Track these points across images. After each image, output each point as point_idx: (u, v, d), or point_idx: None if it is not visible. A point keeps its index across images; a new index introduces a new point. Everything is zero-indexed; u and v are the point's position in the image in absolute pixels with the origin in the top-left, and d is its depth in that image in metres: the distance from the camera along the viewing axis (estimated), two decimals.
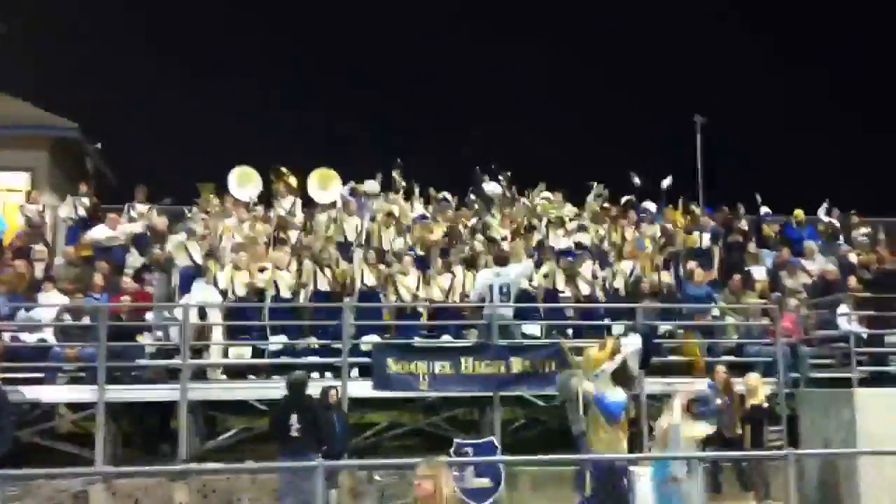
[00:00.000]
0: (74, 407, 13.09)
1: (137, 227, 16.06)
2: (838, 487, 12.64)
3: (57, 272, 14.87)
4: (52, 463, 12.33)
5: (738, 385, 12.97)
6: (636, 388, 9.08)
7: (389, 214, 16.97)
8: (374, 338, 13.73)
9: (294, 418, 10.94)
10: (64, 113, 19.67)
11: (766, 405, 12.60)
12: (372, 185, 18.05)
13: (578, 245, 16.35)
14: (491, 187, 18.52)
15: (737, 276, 15.79)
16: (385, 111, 35.24)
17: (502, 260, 14.43)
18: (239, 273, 13.92)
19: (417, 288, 14.32)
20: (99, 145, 20.20)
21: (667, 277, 15.90)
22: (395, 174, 18.27)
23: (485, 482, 12.81)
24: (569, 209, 18.23)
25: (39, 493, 10.83)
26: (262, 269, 14.07)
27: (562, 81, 37.28)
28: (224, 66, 36.47)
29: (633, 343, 8.89)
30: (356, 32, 39.30)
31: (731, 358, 14.52)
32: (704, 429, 10.61)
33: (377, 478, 12.61)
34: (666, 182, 19.30)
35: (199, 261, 14.26)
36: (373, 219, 16.94)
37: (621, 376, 8.74)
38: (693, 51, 36.86)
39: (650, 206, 19.34)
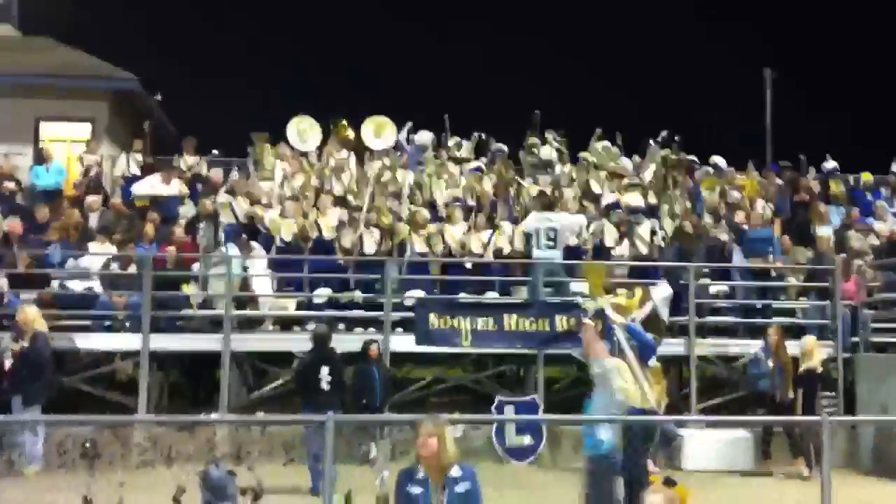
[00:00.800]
0: (121, 356, 13.21)
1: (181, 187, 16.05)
2: (894, 455, 12.18)
3: (109, 222, 15.00)
4: (97, 410, 12.62)
5: (794, 348, 12.56)
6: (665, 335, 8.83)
7: (441, 166, 16.76)
8: (419, 292, 13.59)
9: (324, 371, 10.86)
10: (125, 65, 19.84)
11: (820, 370, 12.14)
12: (424, 137, 17.78)
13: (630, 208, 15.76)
14: (546, 151, 18.06)
15: (786, 237, 15.18)
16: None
17: (548, 206, 14.17)
18: (285, 220, 13.89)
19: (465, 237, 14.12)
20: (159, 97, 20.31)
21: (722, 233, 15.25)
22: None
23: (526, 440, 12.69)
24: (626, 162, 17.62)
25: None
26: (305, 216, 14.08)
27: (624, 33, 36.33)
28: (284, 22, 36.43)
29: (662, 290, 8.68)
30: None
31: (786, 319, 14.00)
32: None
33: None
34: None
35: (243, 219, 14.22)
36: (425, 173, 16.71)
37: (654, 325, 8.54)
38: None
39: (720, 161, 18.55)
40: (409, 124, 17.96)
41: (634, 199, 16.07)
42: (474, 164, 16.97)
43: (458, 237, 14.13)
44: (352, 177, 16.52)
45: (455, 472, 5.73)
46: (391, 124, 17.66)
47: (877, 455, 12.46)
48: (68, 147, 19.70)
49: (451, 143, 18.01)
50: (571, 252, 14.31)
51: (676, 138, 17.50)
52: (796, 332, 13.63)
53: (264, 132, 17.58)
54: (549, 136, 18.10)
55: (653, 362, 9.35)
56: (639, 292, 8.78)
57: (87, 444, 10.13)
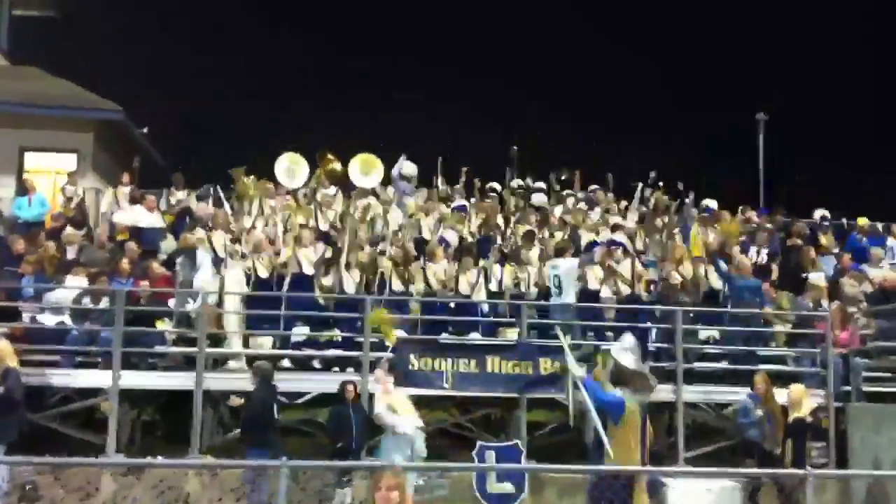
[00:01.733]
0: (91, 393, 12.81)
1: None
2: None
3: (87, 255, 14.70)
4: (67, 449, 12.18)
5: (783, 395, 12.22)
6: (650, 385, 8.33)
7: (428, 205, 16.53)
8: (399, 332, 13.23)
9: (276, 409, 10.54)
10: (113, 97, 19.66)
11: (809, 419, 11.77)
12: (410, 168, 17.55)
13: (612, 242, 15.51)
14: (537, 198, 17.88)
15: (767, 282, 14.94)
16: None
17: (559, 252, 14.02)
18: (260, 257, 13.60)
19: (447, 279, 13.80)
20: (146, 130, 20.13)
21: (712, 278, 14.93)
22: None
23: (507, 487, 12.27)
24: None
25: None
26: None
27: (612, 77, 36.33)
28: (273, 56, 36.43)
29: (622, 343, 8.28)
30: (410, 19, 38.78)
31: (776, 366, 13.66)
32: None
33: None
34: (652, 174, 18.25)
35: (221, 253, 13.91)
36: (411, 215, 16.46)
37: (621, 378, 8.11)
38: (756, 44, 35.52)
39: (712, 203, 18.34)
40: (403, 157, 17.79)
41: (616, 236, 15.81)
42: (459, 202, 16.72)
43: (440, 276, 13.80)
44: (336, 213, 16.27)
45: None
46: (379, 162, 17.46)
47: None
48: (53, 178, 19.53)
49: (440, 186, 17.85)
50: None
51: (660, 183, 17.37)
52: (787, 379, 13.33)
53: (241, 166, 17.37)
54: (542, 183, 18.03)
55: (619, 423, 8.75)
56: (601, 359, 8.40)
57: (28, 487, 9.69)
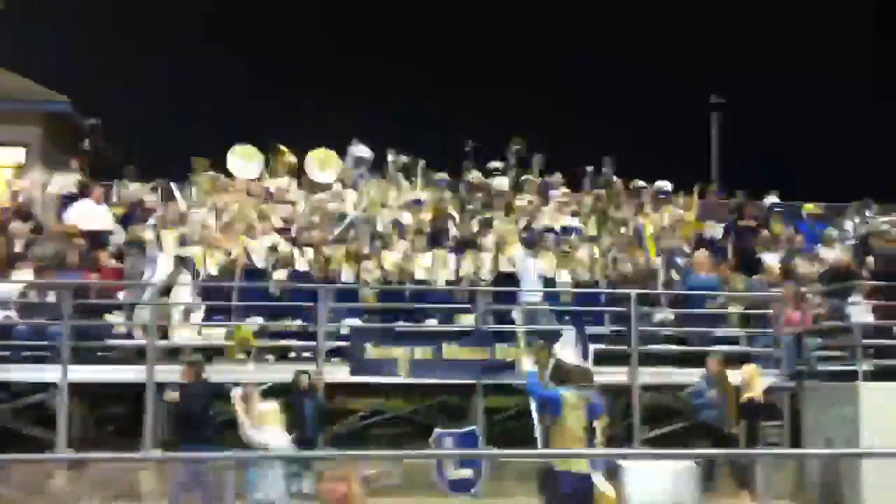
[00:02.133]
0: (42, 388, 12.56)
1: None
2: (840, 487, 11.92)
3: (34, 249, 14.40)
4: (17, 446, 11.96)
5: (736, 376, 12.30)
6: (591, 379, 8.34)
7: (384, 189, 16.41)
8: (355, 321, 13.18)
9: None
10: (61, 89, 19.34)
11: (762, 399, 11.87)
12: (364, 151, 17.39)
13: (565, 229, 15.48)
14: (498, 182, 17.79)
15: (726, 264, 15.01)
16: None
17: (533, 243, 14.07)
18: (211, 251, 13.41)
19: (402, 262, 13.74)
20: (95, 121, 19.81)
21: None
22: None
23: (466, 473, 12.28)
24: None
25: None
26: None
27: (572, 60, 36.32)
28: (222, 44, 36.00)
29: (564, 339, 8.31)
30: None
31: (730, 347, 13.75)
32: None
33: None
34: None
35: (171, 250, 13.67)
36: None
37: (560, 375, 8.08)
38: (709, 26, 35.69)
39: (666, 185, 18.35)
40: (355, 141, 17.65)
41: (570, 221, 15.79)
42: (414, 195, 16.56)
43: (395, 262, 13.71)
44: (292, 205, 16.11)
45: None
46: (336, 157, 17.31)
47: (823, 487, 12.18)
48: (1, 172, 19.16)
49: (390, 158, 17.67)
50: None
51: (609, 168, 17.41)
52: (741, 360, 13.43)
53: (205, 158, 17.15)
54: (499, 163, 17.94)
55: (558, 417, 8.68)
56: (541, 352, 8.37)
57: None
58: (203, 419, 10.51)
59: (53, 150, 19.10)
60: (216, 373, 12.63)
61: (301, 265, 13.53)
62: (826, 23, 36.26)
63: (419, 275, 13.81)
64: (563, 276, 14.47)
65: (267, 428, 9.76)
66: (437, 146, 18.63)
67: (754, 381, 11.85)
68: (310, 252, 13.66)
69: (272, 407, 10.08)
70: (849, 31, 36.84)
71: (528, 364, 8.79)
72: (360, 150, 17.43)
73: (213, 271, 13.37)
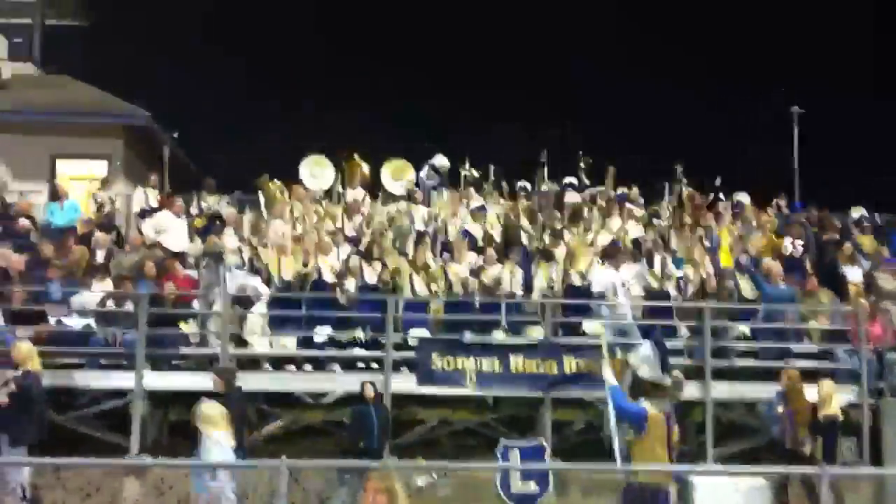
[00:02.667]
0: (119, 394, 12.87)
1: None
2: None
3: (117, 259, 14.80)
4: (92, 450, 12.25)
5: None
6: (675, 396, 8.13)
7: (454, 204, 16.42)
8: (422, 331, 13.19)
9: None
10: (144, 104, 19.87)
11: (840, 416, 11.48)
12: (442, 161, 17.41)
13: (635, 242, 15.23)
14: (572, 197, 17.65)
15: (812, 278, 14.52)
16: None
17: (611, 257, 13.94)
18: (286, 259, 13.60)
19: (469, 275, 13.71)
20: (175, 134, 20.31)
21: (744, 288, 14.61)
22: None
23: (531, 486, 12.16)
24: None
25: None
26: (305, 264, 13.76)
27: (647, 69, 35.75)
28: (303, 60, 36.43)
29: (641, 352, 8.03)
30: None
31: (808, 363, 13.37)
32: None
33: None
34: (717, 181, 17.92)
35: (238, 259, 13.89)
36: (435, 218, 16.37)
37: (639, 389, 7.88)
38: (791, 35, 34.77)
39: (744, 198, 17.97)
40: (438, 155, 17.73)
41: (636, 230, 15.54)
42: (477, 202, 16.55)
43: (461, 275, 13.69)
44: (363, 217, 16.22)
45: None
46: (410, 167, 17.41)
47: None
48: (87, 185, 19.76)
49: (465, 172, 17.72)
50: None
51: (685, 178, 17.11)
52: (821, 376, 13.05)
53: (264, 175, 17.40)
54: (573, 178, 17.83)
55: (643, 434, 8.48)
56: (615, 364, 8.17)
57: (24, 488, 9.71)
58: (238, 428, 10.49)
59: (135, 163, 19.64)
60: (281, 380, 12.91)
61: (370, 277, 13.58)
62: None
63: (488, 282, 13.73)
64: (636, 289, 14.28)
65: (212, 431, 9.68)
66: (438, 147, 18.46)
67: (831, 397, 11.47)
68: (378, 265, 13.70)
69: (216, 410, 9.97)
70: None
71: (609, 375, 8.54)
72: (439, 160, 17.43)
73: (288, 277, 13.51)
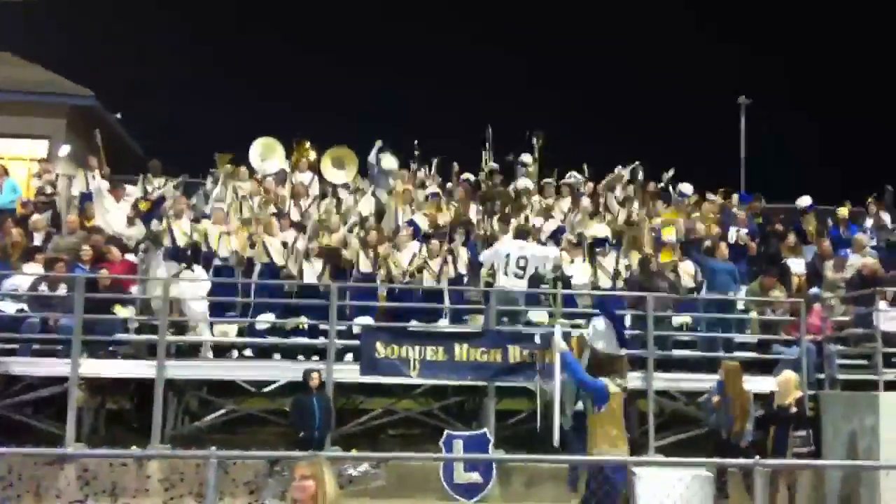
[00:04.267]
0: (55, 381, 12.55)
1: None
2: (860, 498, 11.61)
3: (54, 242, 14.45)
4: (28, 439, 11.96)
5: (761, 383, 12.09)
6: (624, 372, 8.07)
7: (405, 192, 16.28)
8: (367, 320, 13.05)
9: None
10: (86, 83, 19.41)
11: (793, 408, 11.51)
12: (390, 162, 17.27)
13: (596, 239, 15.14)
14: (522, 183, 17.59)
15: (769, 276, 14.57)
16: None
17: (525, 234, 13.68)
18: (227, 236, 13.40)
19: (411, 264, 13.54)
20: (119, 115, 19.89)
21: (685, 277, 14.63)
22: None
23: (474, 477, 12.10)
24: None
25: None
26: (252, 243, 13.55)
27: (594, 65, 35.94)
28: (252, 42, 36.05)
29: (594, 327, 7.95)
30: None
31: (747, 354, 13.47)
32: None
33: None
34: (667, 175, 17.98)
35: (181, 242, 13.58)
36: (389, 192, 16.24)
37: (598, 365, 7.82)
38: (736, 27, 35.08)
39: (687, 188, 18.04)
40: (379, 143, 17.55)
41: (601, 230, 15.47)
42: (431, 189, 16.48)
43: (403, 264, 13.56)
44: (309, 201, 16.03)
45: None
46: (353, 157, 17.20)
47: (843, 499, 11.88)
48: (28, 165, 19.32)
49: (419, 172, 17.65)
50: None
51: (641, 171, 17.14)
52: (760, 367, 13.20)
53: (228, 153, 17.15)
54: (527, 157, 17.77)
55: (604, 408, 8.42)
56: (574, 343, 8.06)
57: None
58: None
59: (77, 144, 19.17)
60: (222, 369, 12.72)
61: (308, 268, 13.41)
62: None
63: (427, 277, 13.60)
64: (583, 278, 14.25)
65: None
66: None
67: (790, 389, 11.51)
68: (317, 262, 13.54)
69: None
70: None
71: (563, 345, 8.38)
72: (387, 162, 17.21)
73: (224, 254, 13.30)
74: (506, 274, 13.27)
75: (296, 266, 13.35)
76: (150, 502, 10.19)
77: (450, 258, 13.72)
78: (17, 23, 22.80)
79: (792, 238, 16.56)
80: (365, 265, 13.62)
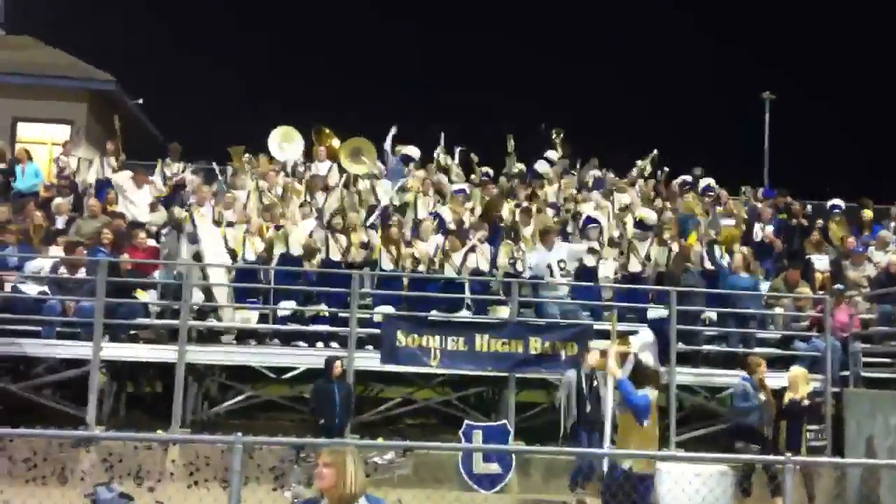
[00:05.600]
0: (77, 364, 12.56)
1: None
2: (880, 496, 11.50)
3: (77, 226, 14.46)
4: (49, 421, 11.99)
5: (779, 379, 11.94)
6: (658, 385, 7.99)
7: (425, 182, 16.20)
8: (388, 308, 12.99)
9: None
10: (109, 68, 19.43)
11: (805, 402, 11.42)
12: (412, 149, 17.18)
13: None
14: (543, 167, 17.52)
15: (794, 270, 14.45)
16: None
17: (549, 239, 13.61)
18: (252, 237, 13.36)
19: (434, 255, 13.47)
20: (140, 100, 19.88)
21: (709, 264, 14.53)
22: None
23: (493, 468, 12.04)
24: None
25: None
26: (278, 227, 13.49)
27: (621, 57, 35.78)
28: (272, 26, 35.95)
29: (643, 337, 7.85)
30: None
31: (775, 350, 13.34)
32: None
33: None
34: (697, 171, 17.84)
35: (205, 228, 13.53)
36: (403, 189, 16.11)
37: (642, 377, 7.74)
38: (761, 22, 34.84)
39: (711, 182, 17.89)
40: (394, 130, 17.48)
41: (648, 215, 15.29)
42: (458, 185, 16.38)
43: (427, 254, 13.48)
44: (329, 189, 15.97)
45: None
46: (371, 148, 17.10)
47: (863, 495, 11.76)
48: (49, 149, 19.35)
49: (441, 158, 17.59)
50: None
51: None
52: (784, 363, 13.06)
53: (240, 145, 17.13)
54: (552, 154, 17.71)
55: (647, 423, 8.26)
56: (614, 349, 7.91)
57: None
58: None
59: (98, 128, 19.22)
60: (242, 354, 12.69)
61: (334, 253, 13.35)
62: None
63: (448, 270, 13.51)
64: (607, 271, 14.15)
65: None
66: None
67: (800, 383, 11.40)
68: (343, 239, 13.46)
69: None
70: None
71: (615, 367, 8.17)
72: (410, 150, 17.11)
73: (252, 257, 13.29)
74: (552, 275, 13.24)
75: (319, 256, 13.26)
76: (175, 486, 10.15)
77: (472, 255, 13.58)
78: (39, 7, 22.92)
79: (816, 234, 16.43)
80: (386, 263, 13.49)
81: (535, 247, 13.87)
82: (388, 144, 17.16)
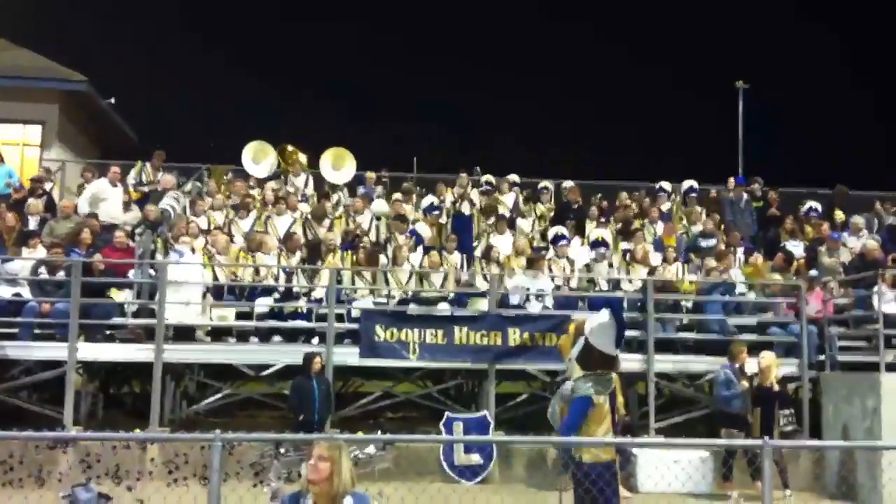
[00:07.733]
0: (53, 365, 12.45)
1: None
2: (857, 478, 11.61)
3: (49, 227, 14.35)
4: (26, 423, 11.86)
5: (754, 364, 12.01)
6: (617, 367, 7.81)
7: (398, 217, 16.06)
8: (366, 303, 12.97)
9: None
10: (80, 69, 19.25)
11: (776, 387, 11.52)
12: (381, 205, 16.95)
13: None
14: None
15: (780, 255, 14.55)
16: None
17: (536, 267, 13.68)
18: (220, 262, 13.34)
19: (409, 280, 13.45)
20: (112, 100, 19.73)
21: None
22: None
23: (474, 459, 12.07)
24: None
25: None
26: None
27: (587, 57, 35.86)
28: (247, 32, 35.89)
29: (598, 318, 7.67)
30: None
31: (752, 336, 13.42)
32: None
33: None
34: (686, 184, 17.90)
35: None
36: (378, 218, 16.09)
37: (589, 359, 7.53)
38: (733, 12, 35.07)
39: (693, 184, 17.86)
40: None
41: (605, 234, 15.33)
42: (429, 200, 16.36)
43: (402, 281, 13.42)
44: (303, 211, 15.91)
45: (347, 501, 5.05)
46: (350, 156, 17.09)
47: (842, 477, 11.87)
48: (21, 150, 19.20)
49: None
50: None
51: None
52: (761, 349, 13.12)
53: (221, 165, 17.11)
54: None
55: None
56: (571, 327, 7.72)
57: None
58: None
59: (70, 129, 19.07)
60: (220, 352, 12.61)
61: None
62: None
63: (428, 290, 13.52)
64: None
65: None
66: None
67: (770, 368, 11.51)
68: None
69: None
70: None
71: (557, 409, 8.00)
72: (378, 207, 16.94)
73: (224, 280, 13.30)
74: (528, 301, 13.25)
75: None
76: (153, 485, 10.10)
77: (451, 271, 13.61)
78: (9, 7, 22.69)
79: (790, 222, 16.56)
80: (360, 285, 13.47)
81: (521, 272, 13.87)
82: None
